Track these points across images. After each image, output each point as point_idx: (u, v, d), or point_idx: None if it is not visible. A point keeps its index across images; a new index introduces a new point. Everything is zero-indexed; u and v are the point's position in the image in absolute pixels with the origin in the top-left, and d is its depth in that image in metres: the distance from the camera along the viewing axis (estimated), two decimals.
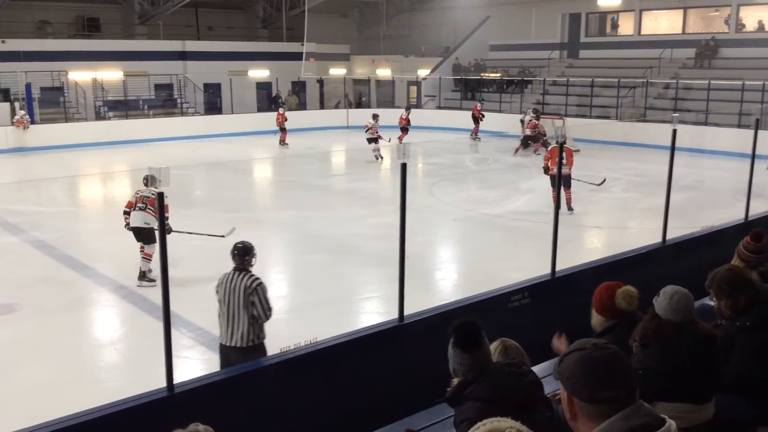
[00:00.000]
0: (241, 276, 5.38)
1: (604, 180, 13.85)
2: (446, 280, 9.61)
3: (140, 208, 8.78)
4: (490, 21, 30.59)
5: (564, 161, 11.56)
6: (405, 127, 22.04)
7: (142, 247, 8.95)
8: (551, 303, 6.10)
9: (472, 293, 6.21)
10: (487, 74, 29.59)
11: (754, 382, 3.59)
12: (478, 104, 25.27)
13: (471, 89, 29.02)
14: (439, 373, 3.44)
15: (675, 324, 3.31)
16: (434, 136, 24.48)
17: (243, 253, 5.54)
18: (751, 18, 25.03)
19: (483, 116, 24.29)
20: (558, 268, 6.39)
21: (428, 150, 20.69)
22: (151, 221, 8.67)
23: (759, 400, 3.60)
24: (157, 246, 8.53)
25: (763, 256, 4.70)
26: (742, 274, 3.87)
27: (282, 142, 22.97)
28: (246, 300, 5.28)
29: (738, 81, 21.10)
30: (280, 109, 24.12)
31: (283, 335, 6.07)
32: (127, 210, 8.88)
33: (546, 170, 12.74)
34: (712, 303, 3.93)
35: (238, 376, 4.70)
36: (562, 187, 11.63)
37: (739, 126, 19.34)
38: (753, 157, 9.10)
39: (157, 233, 7.90)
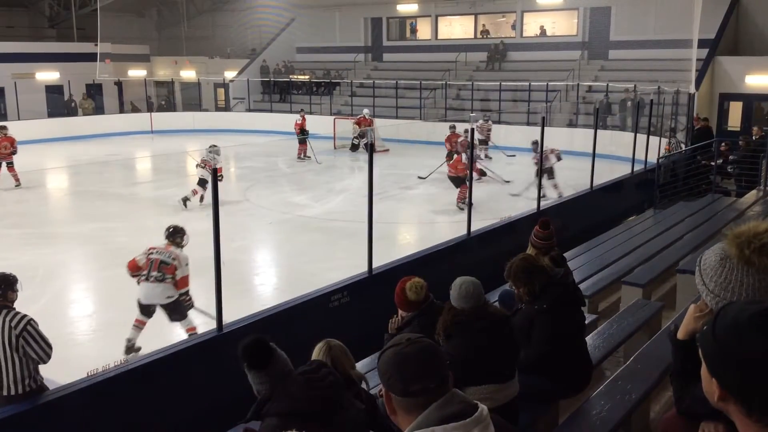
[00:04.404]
0: (2, 316, 4.54)
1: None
2: (266, 285, 9.50)
3: (156, 279, 6.70)
4: (296, 23, 30.66)
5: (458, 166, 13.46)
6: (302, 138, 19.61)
7: (140, 321, 6.85)
8: (370, 300, 6.26)
9: (292, 296, 6.22)
10: (295, 77, 29.63)
11: (553, 358, 3.93)
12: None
13: (281, 91, 28.94)
14: None
15: (469, 311, 3.55)
16: (245, 139, 24.06)
17: None
18: (533, 23, 27.41)
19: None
20: (374, 265, 6.59)
21: (240, 153, 20.29)
22: (173, 293, 6.76)
23: (558, 376, 3.96)
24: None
25: (551, 242, 5.17)
26: (534, 261, 4.21)
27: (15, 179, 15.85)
28: (15, 344, 4.53)
29: (525, 82, 23.06)
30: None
31: (89, 357, 5.66)
32: (136, 273, 6.82)
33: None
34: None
35: (38, 407, 4.29)
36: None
37: (528, 124, 21.16)
38: (541, 151, 10.05)
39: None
